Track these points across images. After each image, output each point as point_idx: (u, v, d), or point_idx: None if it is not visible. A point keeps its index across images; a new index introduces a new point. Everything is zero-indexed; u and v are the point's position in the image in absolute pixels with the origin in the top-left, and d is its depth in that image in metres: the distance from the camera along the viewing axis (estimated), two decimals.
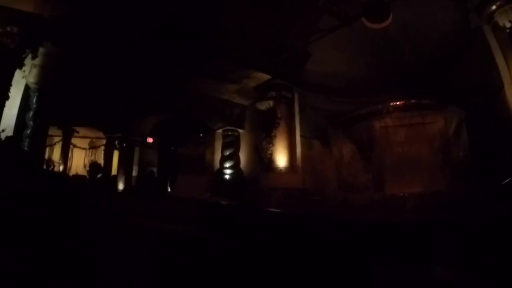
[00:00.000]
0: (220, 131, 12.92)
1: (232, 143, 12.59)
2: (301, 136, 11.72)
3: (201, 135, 13.81)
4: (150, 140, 17.36)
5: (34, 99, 9.40)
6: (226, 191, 11.31)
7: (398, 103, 8.97)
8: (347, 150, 10.05)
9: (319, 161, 12.36)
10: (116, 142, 16.13)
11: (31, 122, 9.15)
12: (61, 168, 16.50)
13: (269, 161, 10.51)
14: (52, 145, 17.72)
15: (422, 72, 11.23)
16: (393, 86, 11.42)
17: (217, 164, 12.85)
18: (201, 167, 13.05)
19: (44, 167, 16.80)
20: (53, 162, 17.04)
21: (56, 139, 17.67)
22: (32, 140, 8.92)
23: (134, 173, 15.94)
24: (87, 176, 16.25)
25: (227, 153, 12.42)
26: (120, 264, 2.02)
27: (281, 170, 10.36)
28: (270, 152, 10.56)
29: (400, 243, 2.09)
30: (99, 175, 15.90)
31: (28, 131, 9.02)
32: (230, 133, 12.69)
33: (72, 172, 17.98)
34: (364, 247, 1.74)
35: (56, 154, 17.74)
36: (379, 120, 8.98)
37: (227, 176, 12.13)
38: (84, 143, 18.62)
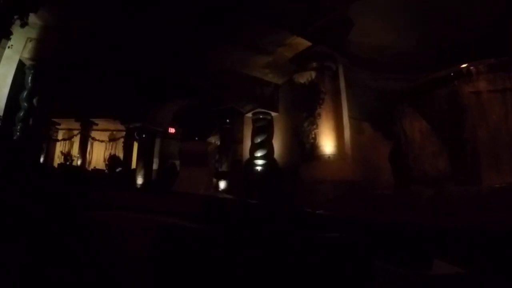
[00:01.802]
0: (249, 115, 10.92)
1: (264, 129, 10.55)
2: (349, 117, 9.45)
3: (227, 120, 11.83)
4: (172, 130, 15.75)
5: (30, 78, 7.87)
6: (257, 187, 9.33)
7: (493, 61, 6.44)
8: (416, 128, 7.65)
9: (370, 147, 10.16)
10: (135, 133, 14.71)
11: (25, 103, 7.64)
12: (79, 162, 15.33)
13: (312, 147, 8.35)
14: (70, 139, 16.65)
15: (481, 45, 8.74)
16: (449, 61, 9.20)
17: (246, 154, 10.87)
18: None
19: (62, 161, 15.84)
20: (71, 156, 15.99)
21: (75, 132, 16.61)
22: (25, 124, 7.37)
23: (155, 166, 14.41)
24: (106, 170, 15.03)
25: (259, 140, 10.40)
26: (122, 259, 1.90)
27: (329, 157, 8.16)
28: (313, 135, 8.39)
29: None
30: (118, 169, 14.60)
31: (21, 114, 7.49)
32: (261, 117, 10.65)
33: (92, 166, 16.90)
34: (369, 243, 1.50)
35: (76, 148, 16.69)
36: (467, 84, 6.50)
37: (258, 168, 10.12)
38: (104, 136, 17.38)
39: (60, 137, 17.22)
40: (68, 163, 15.44)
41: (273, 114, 10.88)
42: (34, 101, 7.81)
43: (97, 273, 1.87)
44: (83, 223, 2.13)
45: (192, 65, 9.37)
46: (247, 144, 10.91)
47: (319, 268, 1.37)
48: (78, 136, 16.18)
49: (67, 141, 17.01)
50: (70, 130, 17.23)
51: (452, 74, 6.73)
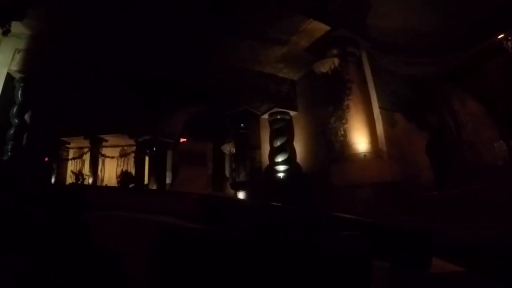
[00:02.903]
0: (266, 116, 9.79)
1: (283, 130, 9.39)
2: (380, 108, 8.18)
3: (242, 125, 10.73)
4: (183, 140, 14.81)
5: (20, 91, 7.07)
6: (280, 196, 8.14)
7: None
8: (465, 112, 6.30)
9: (405, 141, 8.86)
10: (146, 147, 13.89)
11: (16, 120, 6.82)
12: (90, 180, 14.62)
13: (343, 146, 7.11)
14: (80, 157, 16.03)
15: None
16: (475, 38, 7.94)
17: (266, 160, 9.71)
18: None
19: (73, 179, 15.16)
20: (82, 175, 15.29)
21: (86, 150, 15.98)
22: (16, 142, 6.53)
23: (168, 180, 13.47)
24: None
25: (278, 143, 9.23)
26: (121, 259, 1.88)
27: (364, 155, 6.89)
28: (343, 132, 7.16)
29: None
30: (130, 185, 13.74)
31: (12, 131, 6.66)
32: (279, 117, 9.50)
33: (106, 184, 16.17)
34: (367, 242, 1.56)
35: (88, 166, 16.04)
36: None
37: (280, 175, 8.93)
38: (116, 152, 16.67)
39: (71, 156, 16.68)
40: (79, 182, 14.75)
41: (292, 113, 9.71)
42: (26, 117, 6.98)
43: (96, 273, 1.83)
44: (81, 224, 2.09)
45: (197, 64, 8.38)
46: (266, 149, 9.76)
47: (317, 267, 1.35)
48: (89, 154, 15.53)
49: (78, 160, 16.42)
50: (80, 148, 16.65)
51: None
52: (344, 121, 7.15)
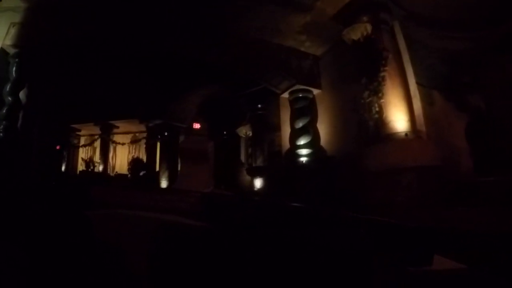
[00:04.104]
0: (286, 95, 8.87)
1: (305, 110, 8.47)
2: (416, 83, 7.18)
3: (259, 106, 9.84)
4: (197, 125, 14.02)
5: (14, 67, 6.38)
6: (303, 183, 7.31)
7: None
8: None
9: (444, 122, 7.85)
10: (157, 132, 13.22)
11: (9, 98, 6.14)
12: (100, 168, 14.13)
13: (378, 124, 6.18)
14: (91, 144, 15.55)
15: None
16: None
17: (286, 144, 8.85)
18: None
19: (83, 168, 14.74)
20: (93, 163, 14.83)
21: (96, 137, 15.48)
22: (9, 122, 5.87)
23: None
24: (129, 175, 13.67)
25: (300, 125, 8.34)
26: (122, 256, 2.00)
27: (406, 134, 5.95)
28: (378, 108, 6.21)
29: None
30: (141, 173, 13.17)
31: (5, 110, 6.00)
32: (301, 96, 8.57)
33: (117, 171, 15.69)
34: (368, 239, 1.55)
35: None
36: None
37: (302, 159, 8.07)
38: (127, 139, 16.09)
39: (82, 143, 16.26)
40: (90, 169, 14.30)
41: (315, 92, 8.76)
42: (22, 95, 6.30)
43: (98, 270, 1.87)
44: (84, 222, 2.13)
45: (211, 37, 7.49)
46: (286, 131, 8.88)
47: (317, 265, 1.38)
48: (99, 141, 15.04)
49: (89, 147, 15.96)
50: (91, 135, 16.17)
51: None
52: (380, 95, 6.19)
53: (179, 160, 11.19)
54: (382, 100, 6.22)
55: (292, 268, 1.37)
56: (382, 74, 6.24)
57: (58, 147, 14.48)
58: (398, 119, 6.20)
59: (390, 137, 6.02)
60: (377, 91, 6.21)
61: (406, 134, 5.89)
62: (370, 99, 6.32)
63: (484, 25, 7.91)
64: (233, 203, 4.82)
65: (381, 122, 6.18)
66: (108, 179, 12.75)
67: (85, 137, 16.47)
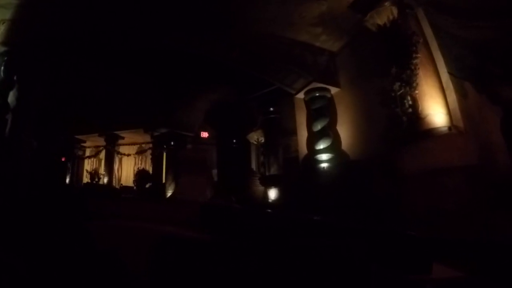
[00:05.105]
0: (301, 95, 8.07)
1: (323, 111, 7.64)
2: (448, 73, 6.31)
3: (271, 109, 9.03)
4: (204, 134, 13.33)
5: (2, 67, 5.77)
6: (327, 192, 6.43)
7: None
8: None
9: (478, 116, 6.95)
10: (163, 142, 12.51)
11: None
12: (105, 180, 13.45)
13: (412, 119, 5.30)
14: (96, 155, 14.97)
15: None
16: None
17: (303, 149, 7.98)
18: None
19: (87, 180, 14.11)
20: (98, 174, 14.21)
21: (100, 148, 14.88)
22: None
23: None
24: (134, 187, 12.96)
25: (319, 127, 7.48)
26: (121, 267, 2.02)
27: (449, 128, 5.06)
28: (411, 101, 5.34)
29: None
30: (147, 185, 12.44)
31: None
32: (317, 95, 7.75)
33: (124, 183, 15.00)
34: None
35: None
36: None
37: (323, 165, 7.18)
38: (133, 150, 15.45)
39: (87, 155, 15.70)
40: (95, 181, 13.66)
41: (333, 91, 7.93)
42: (12, 97, 5.66)
43: (97, 280, 1.88)
44: (83, 233, 2.21)
45: (217, 30, 6.80)
46: (303, 135, 8.03)
47: (315, 274, 1.38)
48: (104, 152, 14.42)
49: (94, 159, 15.38)
50: (97, 147, 15.61)
51: None
52: (414, 84, 5.33)
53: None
54: (416, 92, 5.35)
55: (289, 276, 1.38)
56: (414, 61, 5.40)
57: (63, 159, 13.97)
58: (437, 113, 5.30)
59: (428, 133, 5.11)
60: (410, 81, 5.35)
61: (449, 128, 4.98)
62: (401, 91, 5.46)
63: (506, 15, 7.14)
64: (231, 214, 4.74)
65: (416, 117, 5.29)
66: (112, 192, 12.06)
67: (90, 148, 15.95)
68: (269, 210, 6.19)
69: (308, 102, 7.90)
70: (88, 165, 15.60)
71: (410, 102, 5.38)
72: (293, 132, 8.44)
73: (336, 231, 3.05)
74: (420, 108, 5.29)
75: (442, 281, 1.93)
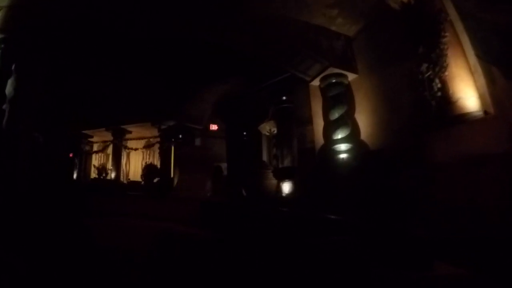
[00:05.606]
0: (316, 82, 7.64)
1: (341, 98, 7.20)
2: (475, 56, 5.81)
3: (284, 98, 8.62)
4: (214, 127, 12.99)
5: None
6: (347, 187, 6.04)
7: None
8: None
9: (507, 103, 6.45)
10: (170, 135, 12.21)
11: None
12: (113, 175, 13.24)
13: (442, 103, 4.85)
14: (103, 150, 14.77)
15: None
16: None
17: (319, 139, 7.58)
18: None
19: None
20: (105, 170, 14.00)
21: (108, 143, 14.66)
22: None
23: None
24: (142, 182, 12.72)
25: (336, 115, 7.06)
26: (121, 266, 1.97)
27: (487, 112, 4.62)
28: (440, 84, 4.90)
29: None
30: (155, 180, 12.18)
31: None
32: (334, 81, 7.32)
33: (131, 178, 14.80)
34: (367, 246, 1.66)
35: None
36: None
37: (342, 156, 6.78)
38: (141, 144, 15.21)
39: (95, 150, 15.52)
40: (102, 177, 13.46)
41: (350, 77, 7.49)
42: (9, 88, 5.35)
43: (97, 276, 1.85)
44: (84, 231, 2.19)
45: (227, 14, 6.39)
46: (319, 124, 7.62)
47: (314, 271, 1.38)
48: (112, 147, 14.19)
49: (102, 154, 15.19)
50: (104, 142, 15.40)
51: None
52: (444, 65, 4.87)
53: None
54: (446, 73, 4.89)
55: (286, 273, 1.39)
56: (443, 39, 4.93)
57: (71, 155, 13.80)
58: (469, 96, 4.85)
59: (461, 118, 4.67)
60: (439, 62, 4.89)
61: (485, 112, 4.53)
62: (430, 72, 5.00)
63: None
64: (231, 210, 4.69)
65: (446, 101, 4.83)
66: (118, 188, 11.83)
67: (98, 143, 15.76)
68: (267, 207, 6.09)
69: (324, 89, 7.47)
70: (95, 160, 15.42)
71: (439, 85, 4.91)
72: (308, 121, 8.02)
73: (337, 229, 3.08)
74: (450, 91, 4.83)
75: (443, 278, 1.91)
